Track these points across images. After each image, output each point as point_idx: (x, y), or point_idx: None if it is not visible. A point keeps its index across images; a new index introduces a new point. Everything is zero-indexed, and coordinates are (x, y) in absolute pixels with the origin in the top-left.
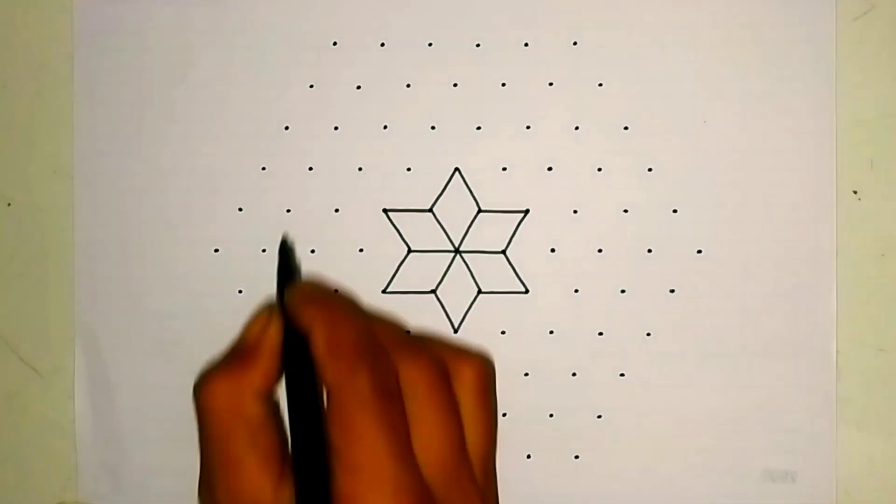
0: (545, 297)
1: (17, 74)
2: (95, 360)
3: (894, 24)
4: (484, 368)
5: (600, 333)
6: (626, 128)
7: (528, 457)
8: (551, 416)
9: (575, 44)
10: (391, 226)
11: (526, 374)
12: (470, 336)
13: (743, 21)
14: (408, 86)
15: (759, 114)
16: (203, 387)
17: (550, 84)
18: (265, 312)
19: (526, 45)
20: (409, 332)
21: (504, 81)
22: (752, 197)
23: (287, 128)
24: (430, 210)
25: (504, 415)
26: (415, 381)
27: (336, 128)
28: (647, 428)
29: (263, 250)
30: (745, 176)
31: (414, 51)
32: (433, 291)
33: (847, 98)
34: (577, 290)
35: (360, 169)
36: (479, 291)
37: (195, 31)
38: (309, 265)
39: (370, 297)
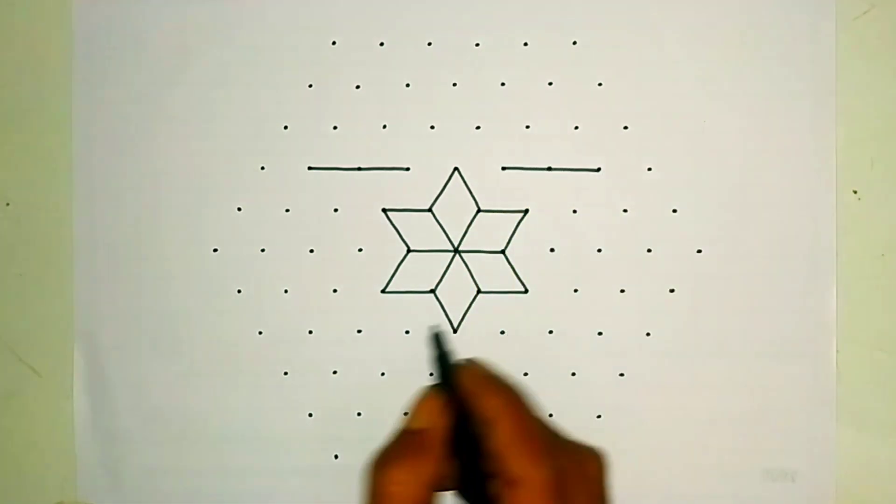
0: (545, 296)
1: (16, 74)
2: (94, 359)
3: (894, 24)
4: (604, 462)
5: (600, 333)
6: (625, 128)
7: None
8: (551, 415)
9: (575, 44)
10: (390, 225)
11: (525, 374)
12: (469, 336)
13: (743, 21)
14: (407, 85)
15: (759, 114)
16: (383, 472)
17: (550, 84)
18: (434, 399)
19: (525, 44)
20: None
21: (503, 81)
22: (752, 197)
23: (286, 127)
24: (430, 210)
25: None
26: (576, 478)
27: (335, 127)
28: (647, 428)
29: (262, 250)
30: (745, 176)
31: (413, 50)
32: (432, 291)
33: (847, 98)
34: (576, 290)
35: (359, 168)
36: (479, 291)
37: (194, 30)
38: (308, 265)
39: (369, 296)
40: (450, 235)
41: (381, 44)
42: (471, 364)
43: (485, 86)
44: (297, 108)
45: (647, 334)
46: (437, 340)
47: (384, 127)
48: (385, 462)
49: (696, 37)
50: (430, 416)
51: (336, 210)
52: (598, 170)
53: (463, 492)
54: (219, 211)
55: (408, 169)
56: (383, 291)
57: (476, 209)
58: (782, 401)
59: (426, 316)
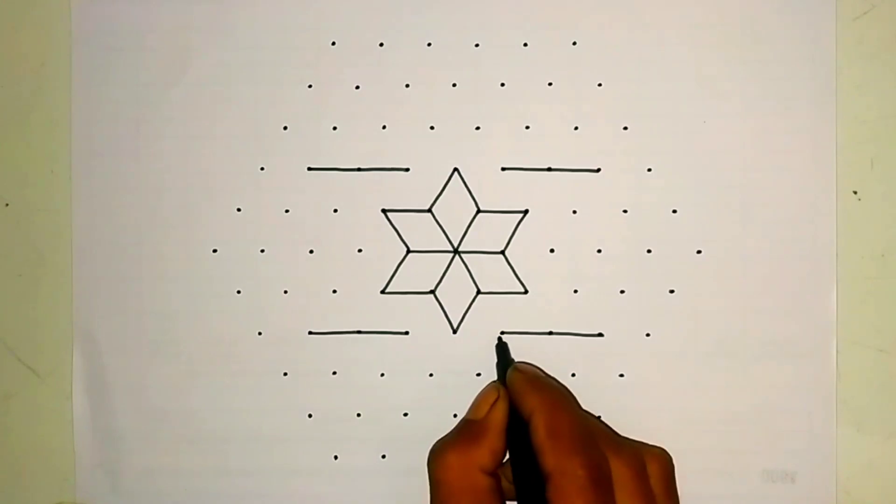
0: (544, 297)
1: (15, 74)
2: (93, 360)
3: (894, 24)
4: (668, 461)
5: (600, 334)
6: (625, 128)
7: None
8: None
9: (574, 44)
10: (390, 226)
11: None
12: (469, 337)
13: (743, 21)
14: (406, 86)
15: (759, 114)
16: (437, 459)
17: (550, 84)
18: (493, 393)
19: (525, 45)
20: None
21: (503, 81)
22: (752, 197)
23: (286, 128)
24: (429, 210)
25: None
26: (622, 472)
27: (335, 128)
28: (647, 428)
29: (262, 251)
30: (745, 176)
31: (413, 51)
32: (432, 292)
33: (847, 98)
34: (576, 291)
35: (358, 169)
36: (479, 292)
37: (193, 31)
38: (308, 265)
39: (369, 297)
40: (449, 236)
41: (381, 44)
42: (519, 367)
43: (485, 86)
44: (297, 109)
45: (647, 335)
46: (500, 350)
47: (384, 127)
48: (441, 450)
49: (696, 37)
50: (485, 408)
51: (336, 210)
52: (598, 170)
53: (519, 488)
54: (218, 211)
55: (407, 169)
56: (383, 292)
57: (476, 209)
58: (782, 401)
59: (426, 316)
